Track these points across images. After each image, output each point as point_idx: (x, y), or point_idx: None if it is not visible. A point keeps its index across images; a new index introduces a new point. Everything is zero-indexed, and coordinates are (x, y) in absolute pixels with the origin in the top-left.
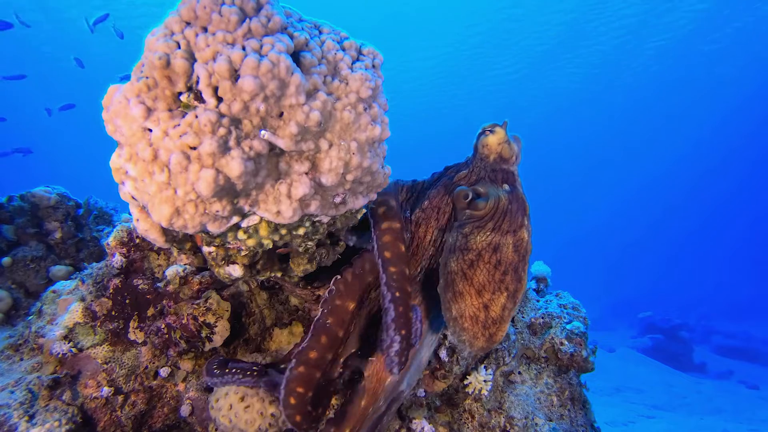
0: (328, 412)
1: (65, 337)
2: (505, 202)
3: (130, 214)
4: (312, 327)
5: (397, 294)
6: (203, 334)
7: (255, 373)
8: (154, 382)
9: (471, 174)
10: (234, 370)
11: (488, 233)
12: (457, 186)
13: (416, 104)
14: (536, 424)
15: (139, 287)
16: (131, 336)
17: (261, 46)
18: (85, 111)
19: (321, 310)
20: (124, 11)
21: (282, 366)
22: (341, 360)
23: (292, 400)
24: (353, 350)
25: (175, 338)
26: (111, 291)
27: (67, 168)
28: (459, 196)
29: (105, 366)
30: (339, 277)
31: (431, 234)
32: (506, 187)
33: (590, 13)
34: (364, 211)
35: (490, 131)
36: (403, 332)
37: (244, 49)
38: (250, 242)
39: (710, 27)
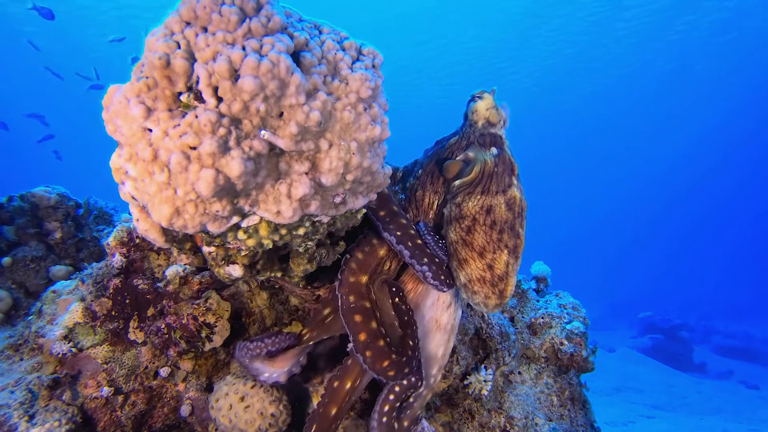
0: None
1: (65, 337)
2: (491, 165)
3: (130, 214)
4: (342, 315)
5: (399, 233)
6: (203, 334)
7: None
8: (154, 382)
9: (461, 139)
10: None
11: (478, 197)
12: (449, 152)
13: (415, 101)
14: (536, 424)
15: (139, 287)
16: (131, 336)
17: (261, 46)
18: (84, 111)
19: (339, 294)
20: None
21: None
22: (394, 321)
23: (392, 373)
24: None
25: (175, 338)
26: (111, 291)
27: (67, 168)
28: (447, 168)
29: (105, 366)
30: (349, 256)
31: (428, 197)
32: (494, 150)
33: (591, 8)
34: (365, 211)
35: (479, 97)
36: (425, 259)
37: (244, 49)
38: (250, 242)
39: (707, 23)
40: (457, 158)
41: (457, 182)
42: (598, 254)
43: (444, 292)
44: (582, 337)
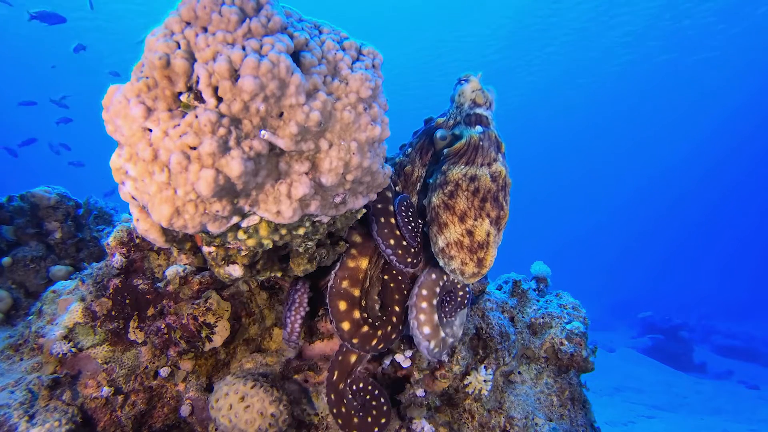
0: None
1: (65, 337)
2: (476, 139)
3: (130, 214)
4: (327, 296)
5: (379, 206)
6: (203, 334)
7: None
8: (154, 382)
9: (448, 119)
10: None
11: (463, 167)
12: (437, 129)
13: (412, 97)
14: (536, 424)
15: (139, 287)
16: (131, 336)
17: (261, 46)
18: (85, 111)
19: (334, 275)
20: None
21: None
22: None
23: (381, 346)
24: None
25: (175, 338)
26: (111, 291)
27: (67, 168)
28: (438, 140)
29: (105, 366)
30: (348, 245)
31: (417, 171)
32: (478, 128)
33: (594, 11)
34: (365, 211)
35: (465, 80)
36: (392, 242)
37: (244, 49)
38: (250, 242)
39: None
40: (446, 133)
41: (445, 150)
42: (598, 254)
43: (405, 269)
44: (582, 337)
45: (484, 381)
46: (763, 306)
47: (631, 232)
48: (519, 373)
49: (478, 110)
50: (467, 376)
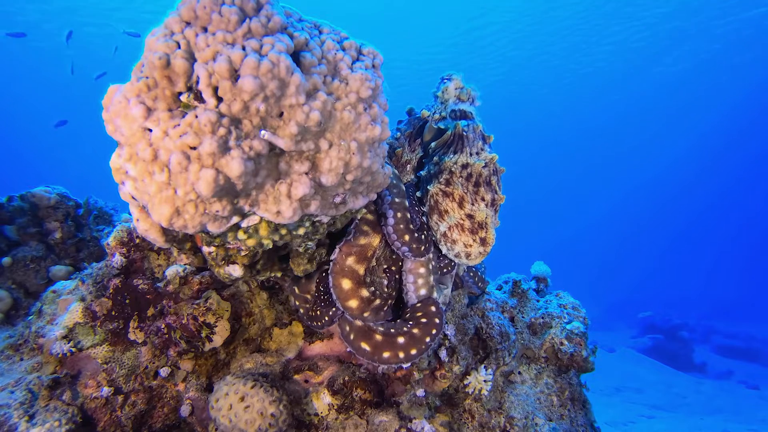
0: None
1: (65, 337)
2: (460, 129)
3: (130, 214)
4: (329, 274)
5: (397, 200)
6: (203, 334)
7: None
8: (154, 382)
9: (434, 114)
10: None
11: (452, 156)
12: (425, 120)
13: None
14: (536, 424)
15: (139, 287)
16: (131, 336)
17: (261, 46)
18: (84, 111)
19: (339, 250)
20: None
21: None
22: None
23: (382, 312)
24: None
25: (175, 338)
26: (111, 291)
27: (67, 168)
28: (426, 132)
29: (105, 366)
30: (358, 220)
31: (406, 156)
32: (463, 121)
33: (593, 14)
34: (365, 211)
35: (448, 79)
36: (407, 237)
37: (244, 49)
38: (250, 242)
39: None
40: (433, 126)
41: (433, 144)
42: (598, 254)
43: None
44: (582, 337)
45: (484, 381)
46: (763, 306)
47: (631, 231)
48: (519, 373)
49: (462, 106)
50: (467, 376)
